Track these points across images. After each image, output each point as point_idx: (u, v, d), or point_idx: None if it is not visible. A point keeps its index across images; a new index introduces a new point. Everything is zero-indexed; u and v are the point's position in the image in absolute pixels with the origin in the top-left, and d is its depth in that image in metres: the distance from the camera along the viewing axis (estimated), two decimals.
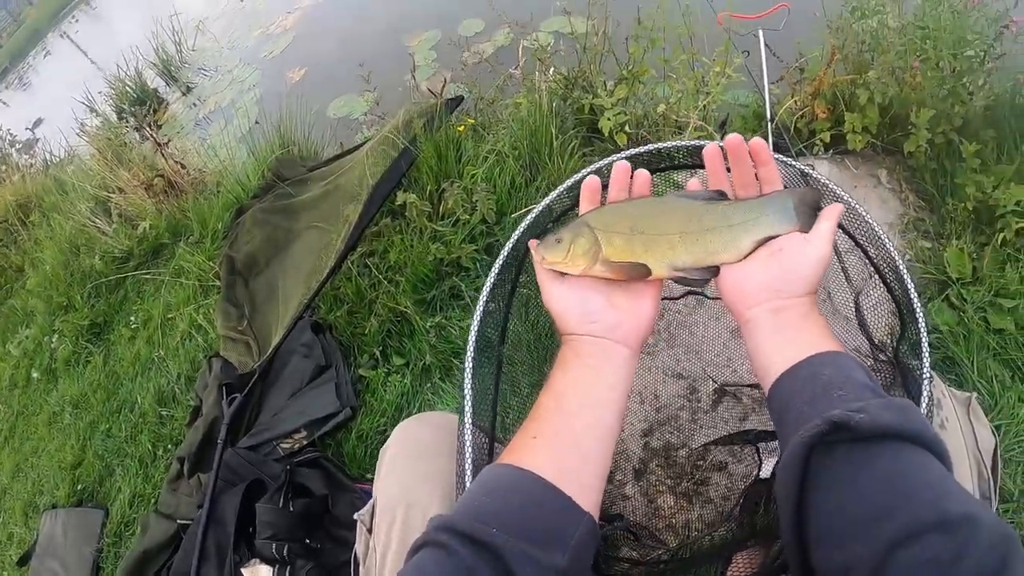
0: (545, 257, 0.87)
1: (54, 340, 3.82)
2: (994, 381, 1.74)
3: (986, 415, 1.62)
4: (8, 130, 7.76)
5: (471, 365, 0.99)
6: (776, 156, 1.00)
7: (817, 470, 0.65)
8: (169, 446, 2.72)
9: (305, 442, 2.19)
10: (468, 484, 0.86)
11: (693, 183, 0.91)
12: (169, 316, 3.27)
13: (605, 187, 0.93)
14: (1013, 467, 1.63)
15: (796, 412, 0.71)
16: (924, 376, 0.86)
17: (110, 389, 3.25)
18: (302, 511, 1.89)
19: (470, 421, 0.93)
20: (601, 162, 1.11)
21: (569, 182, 1.12)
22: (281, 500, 1.90)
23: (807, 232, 0.83)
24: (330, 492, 1.96)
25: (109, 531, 2.66)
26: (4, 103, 16.49)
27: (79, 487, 2.93)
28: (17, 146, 7.49)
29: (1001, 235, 1.93)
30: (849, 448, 0.64)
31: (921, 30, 2.12)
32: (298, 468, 2.03)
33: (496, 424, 1.02)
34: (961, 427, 0.98)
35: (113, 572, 2.53)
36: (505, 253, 1.09)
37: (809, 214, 0.84)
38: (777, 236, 0.83)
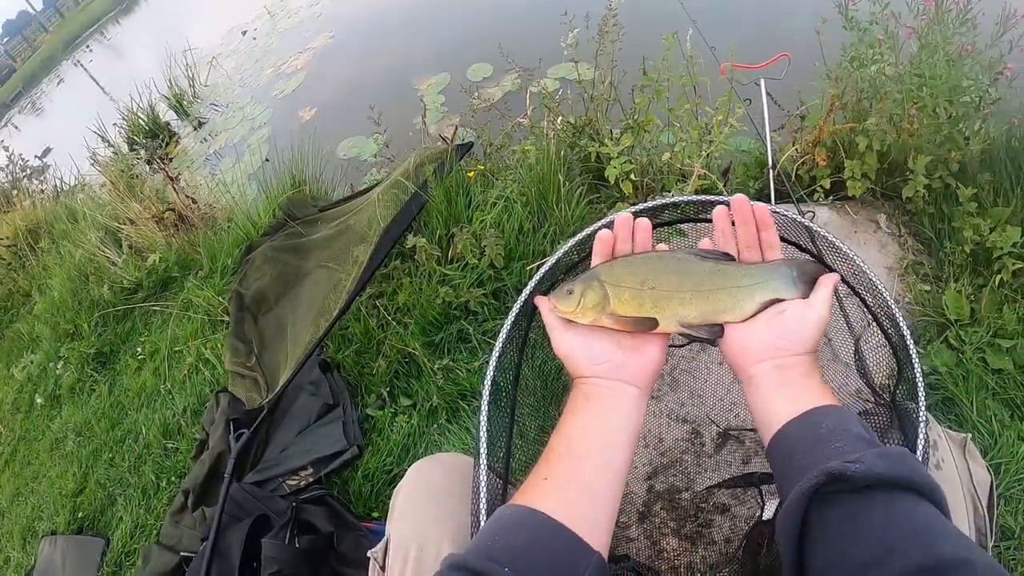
0: (557, 306, 0.92)
1: (59, 367, 3.84)
2: (993, 420, 1.78)
3: (986, 454, 1.67)
4: (20, 155, 7.83)
5: (486, 409, 1.04)
6: (779, 210, 1.07)
7: (816, 519, 0.69)
8: (173, 478, 2.72)
9: (311, 479, 2.21)
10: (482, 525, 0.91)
11: (705, 242, 0.96)
12: (176, 349, 3.31)
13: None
14: (1014, 504, 1.65)
15: (796, 463, 0.75)
16: (920, 419, 0.90)
17: (114, 418, 3.26)
18: (308, 548, 1.90)
19: (485, 463, 0.97)
20: (611, 216, 1.17)
21: (580, 236, 1.18)
22: (287, 536, 1.91)
23: (806, 298, 0.89)
24: (336, 530, 1.97)
25: (109, 560, 2.64)
26: (16, 127, 16.69)
27: (80, 515, 2.92)
28: (28, 171, 7.55)
29: (998, 276, 1.98)
30: (846, 497, 0.68)
31: (918, 78, 2.16)
32: (304, 505, 2.05)
33: (509, 467, 1.06)
34: (957, 466, 1.02)
35: None
36: (521, 301, 1.15)
37: (808, 284, 0.90)
38: (780, 300, 0.89)
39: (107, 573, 2.62)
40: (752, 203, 0.93)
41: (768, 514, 1.32)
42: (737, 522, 1.61)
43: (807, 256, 1.09)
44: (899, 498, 0.67)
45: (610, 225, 1.04)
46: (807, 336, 0.86)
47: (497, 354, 1.10)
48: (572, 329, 0.92)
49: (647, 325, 0.89)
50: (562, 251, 1.18)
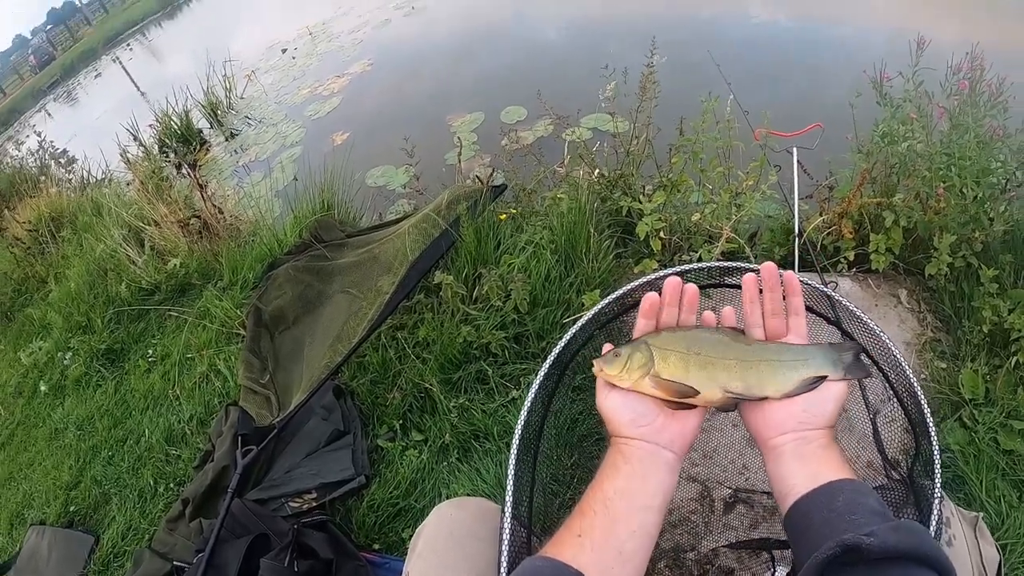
0: (603, 369, 0.94)
1: (67, 357, 3.85)
2: (1002, 501, 1.77)
3: (993, 533, 1.66)
4: (51, 142, 7.93)
5: (514, 463, 1.06)
6: (802, 278, 1.10)
7: None
8: (172, 484, 2.71)
9: (315, 504, 2.20)
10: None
11: (728, 310, 0.99)
12: (188, 356, 3.32)
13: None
14: None
15: (812, 534, 0.77)
16: (936, 496, 0.92)
17: (118, 417, 3.26)
18: (306, 572, 1.89)
19: (510, 512, 0.99)
20: (653, 275, 1.20)
21: (616, 294, 1.21)
22: (286, 559, 1.90)
23: (852, 378, 0.91)
24: (335, 557, 1.96)
25: (97, 559, 2.61)
26: (49, 114, 16.96)
27: (71, 508, 2.90)
28: (58, 159, 7.64)
29: (1015, 358, 1.98)
30: (861, 569, 0.69)
31: (947, 157, 2.19)
32: (305, 529, 2.04)
33: (532, 516, 1.08)
34: (968, 544, 1.03)
35: None
36: (553, 356, 1.17)
37: (853, 365, 0.92)
38: (823, 378, 0.90)
39: (93, 571, 2.59)
40: (781, 271, 0.95)
41: None
42: None
43: (848, 340, 1.11)
44: (910, 570, 0.68)
45: (655, 285, 1.06)
46: (829, 410, 0.88)
47: (527, 407, 1.12)
48: (617, 390, 0.94)
49: (687, 392, 0.91)
50: (599, 307, 1.21)
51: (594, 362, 0.96)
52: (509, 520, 0.98)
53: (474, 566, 1.02)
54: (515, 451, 1.07)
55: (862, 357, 0.95)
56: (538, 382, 1.15)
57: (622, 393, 0.93)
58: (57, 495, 3.02)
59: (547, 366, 1.17)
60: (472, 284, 2.67)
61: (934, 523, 0.90)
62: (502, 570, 0.93)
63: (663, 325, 0.97)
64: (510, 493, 1.02)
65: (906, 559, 0.68)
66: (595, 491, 0.88)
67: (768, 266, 0.93)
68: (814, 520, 0.78)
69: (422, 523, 1.14)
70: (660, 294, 0.98)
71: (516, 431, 1.10)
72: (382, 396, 2.54)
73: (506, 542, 0.96)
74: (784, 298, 0.95)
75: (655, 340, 0.94)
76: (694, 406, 0.93)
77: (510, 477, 1.04)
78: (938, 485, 0.94)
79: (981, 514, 1.11)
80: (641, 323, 0.98)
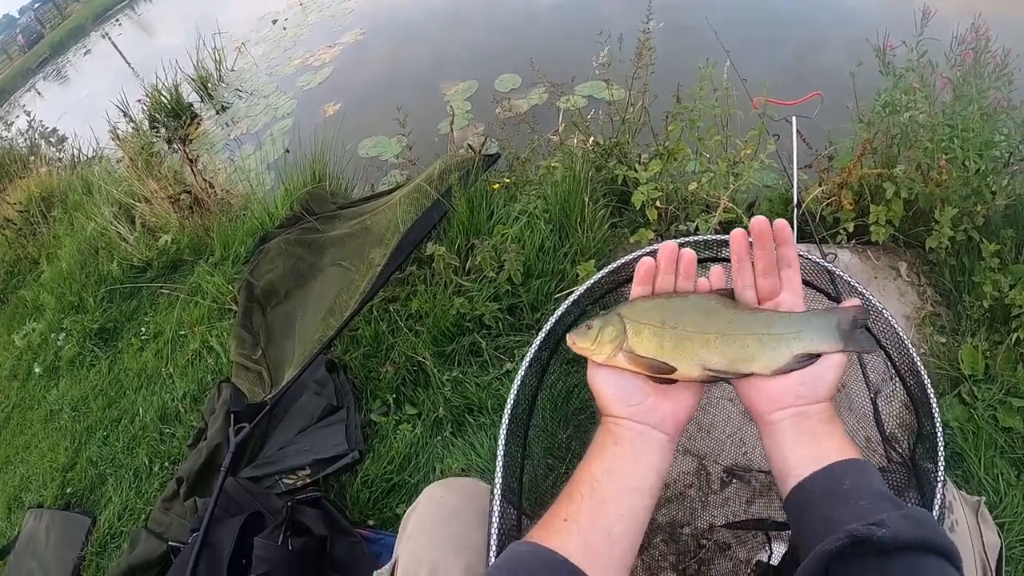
0: (576, 342, 0.89)
1: (61, 338, 3.82)
2: (1000, 479, 1.76)
3: (991, 511, 1.65)
4: (40, 121, 7.84)
5: (504, 442, 1.03)
6: (802, 252, 1.03)
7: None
8: (166, 463, 2.69)
9: (308, 480, 2.19)
10: (493, 558, 0.89)
11: (717, 269, 0.92)
12: (181, 333, 3.28)
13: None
14: (1015, 564, 1.64)
15: (817, 518, 0.73)
16: (939, 480, 0.89)
17: (112, 396, 3.24)
18: (300, 550, 1.87)
19: (499, 494, 0.96)
20: (643, 249, 1.15)
21: (613, 265, 1.16)
22: (280, 537, 1.88)
23: (853, 351, 0.84)
24: (330, 534, 1.94)
25: (95, 540, 2.61)
26: (39, 93, 16.85)
27: (68, 490, 2.89)
28: (48, 138, 7.56)
29: (1015, 335, 1.96)
30: (870, 561, 0.66)
31: (950, 128, 2.14)
32: (299, 506, 2.02)
33: (522, 496, 1.05)
34: (970, 530, 1.01)
35: None
36: (545, 330, 1.14)
37: (854, 334, 0.83)
38: (819, 354, 0.83)
39: (91, 553, 2.58)
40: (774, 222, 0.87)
41: (776, 559, 1.30)
42: (737, 564, 1.59)
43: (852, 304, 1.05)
44: (920, 560, 0.65)
45: (652, 254, 1.00)
46: (828, 380, 0.82)
47: (517, 385, 1.09)
48: (606, 367, 0.89)
49: (662, 369, 0.85)
50: (592, 280, 1.17)
51: (567, 335, 0.91)
52: (498, 503, 0.95)
53: (463, 546, 0.99)
54: (504, 433, 1.04)
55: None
56: (529, 358, 1.11)
57: (611, 371, 0.88)
58: (54, 477, 3.00)
59: (538, 342, 1.13)
60: (465, 255, 2.62)
61: (937, 508, 0.87)
62: (491, 552, 0.90)
63: (659, 292, 0.90)
64: (499, 475, 0.99)
65: (914, 548, 0.65)
66: (583, 473, 0.84)
67: (758, 220, 0.85)
68: (818, 504, 0.74)
69: (412, 505, 1.11)
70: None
71: (505, 414, 1.06)
72: (375, 370, 2.51)
73: (495, 524, 0.93)
74: (776, 250, 0.87)
75: (629, 312, 0.87)
76: (676, 381, 0.86)
77: (499, 459, 1.01)
78: (941, 469, 0.90)
79: (983, 498, 1.08)
80: (636, 290, 0.91)
